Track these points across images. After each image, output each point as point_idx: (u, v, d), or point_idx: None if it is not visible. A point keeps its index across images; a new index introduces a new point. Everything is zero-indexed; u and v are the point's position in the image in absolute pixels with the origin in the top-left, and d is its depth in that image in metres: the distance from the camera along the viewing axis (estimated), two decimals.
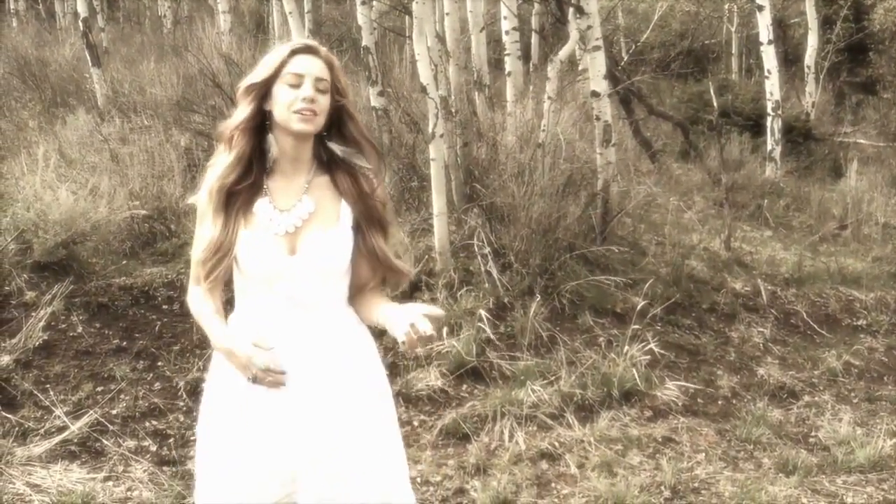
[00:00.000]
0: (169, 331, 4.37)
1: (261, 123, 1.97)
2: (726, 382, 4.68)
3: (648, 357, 4.56)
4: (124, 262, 4.83)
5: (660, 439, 3.99)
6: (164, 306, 4.53)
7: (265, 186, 2.00)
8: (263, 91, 1.94)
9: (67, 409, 3.71)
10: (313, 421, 1.97)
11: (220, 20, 10.42)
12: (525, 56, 9.69)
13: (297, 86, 1.92)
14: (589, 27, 5.75)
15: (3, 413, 3.63)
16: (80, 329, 4.22)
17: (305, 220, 1.98)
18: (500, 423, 3.94)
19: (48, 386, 3.86)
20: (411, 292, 4.80)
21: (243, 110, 1.95)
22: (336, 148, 2.01)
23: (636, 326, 4.60)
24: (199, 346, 4.24)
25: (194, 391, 3.95)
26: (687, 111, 10.78)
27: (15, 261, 4.46)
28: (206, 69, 6.33)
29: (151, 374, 4.09)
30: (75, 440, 3.55)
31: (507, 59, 7.28)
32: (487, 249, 5.09)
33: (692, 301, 5.45)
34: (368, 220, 2.01)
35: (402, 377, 4.21)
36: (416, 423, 3.98)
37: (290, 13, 5.34)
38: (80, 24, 8.39)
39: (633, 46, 12.62)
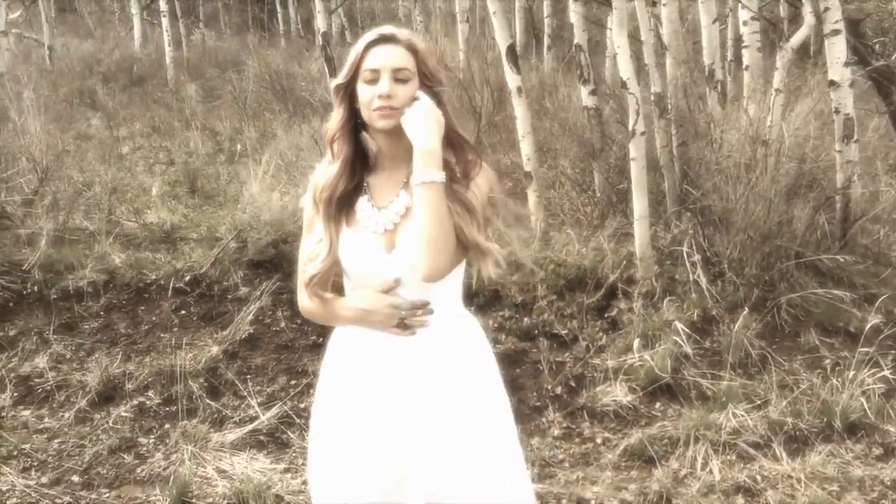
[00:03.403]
0: None
1: (357, 124, 1.92)
2: None
3: (884, 386, 3.94)
4: None
5: (888, 482, 3.40)
6: None
7: (366, 184, 1.95)
8: (349, 91, 1.90)
9: (261, 400, 3.90)
10: (421, 422, 1.89)
11: (459, 30, 10.70)
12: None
13: (374, 81, 1.85)
14: (826, 9, 5.11)
15: (207, 400, 3.90)
16: (282, 324, 4.45)
17: (403, 216, 1.90)
18: (693, 448, 3.57)
19: (248, 377, 4.09)
20: (607, 300, 4.55)
21: (336, 114, 1.92)
22: None
23: (865, 349, 3.98)
24: None
25: None
26: None
27: (234, 258, 4.80)
28: None
29: None
30: (264, 430, 3.73)
31: (744, 51, 6.68)
32: (697, 257, 4.69)
33: None
34: (452, 201, 1.85)
35: (589, 390, 3.98)
36: (598, 441, 3.73)
37: (494, 13, 5.27)
38: (320, 38, 8.95)
39: None
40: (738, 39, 7.39)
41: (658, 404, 3.94)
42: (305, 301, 2.00)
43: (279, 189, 5.00)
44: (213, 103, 10.49)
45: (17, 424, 3.74)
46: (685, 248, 4.75)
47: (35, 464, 3.49)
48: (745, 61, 6.62)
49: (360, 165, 1.94)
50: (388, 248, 1.90)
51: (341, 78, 1.90)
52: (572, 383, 4.06)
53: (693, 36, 7.12)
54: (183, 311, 4.54)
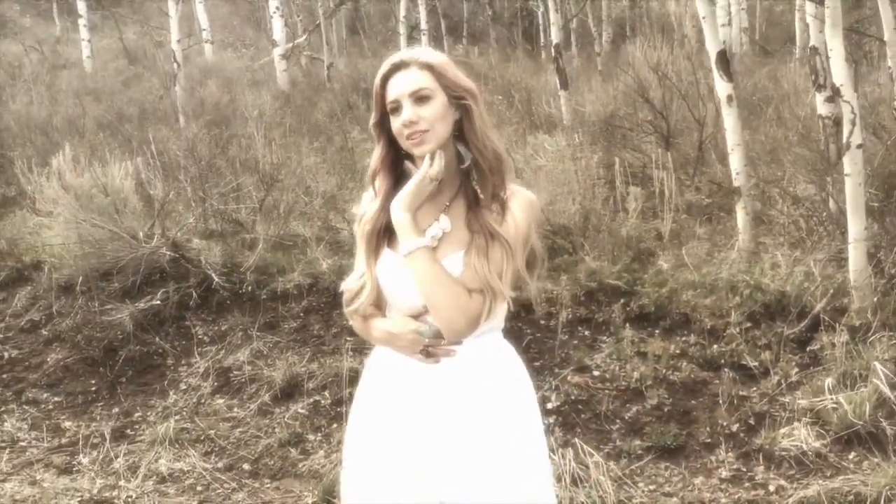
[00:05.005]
0: (536, 346, 4.40)
1: (396, 155, 1.91)
2: None
3: None
4: None
5: None
6: (542, 321, 4.57)
7: None
8: (384, 127, 1.89)
9: None
10: (436, 447, 1.88)
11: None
12: None
13: (397, 111, 1.84)
14: None
15: None
16: None
17: (440, 240, 1.87)
18: None
19: None
20: (811, 331, 4.05)
21: (376, 151, 1.94)
22: (463, 151, 1.88)
23: None
24: (559, 366, 4.18)
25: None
26: None
27: None
28: (635, 84, 6.23)
29: None
30: None
31: None
32: None
33: None
34: (477, 232, 1.84)
35: (769, 431, 3.56)
36: (770, 488, 3.33)
37: (704, 18, 4.91)
38: (552, 49, 8.95)
39: None
40: None
41: (852, 454, 3.44)
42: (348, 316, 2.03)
43: None
44: None
45: (210, 411, 4.15)
46: None
47: (216, 449, 3.85)
48: None
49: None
50: None
51: (372, 117, 1.92)
52: (752, 421, 3.67)
53: None
54: None
